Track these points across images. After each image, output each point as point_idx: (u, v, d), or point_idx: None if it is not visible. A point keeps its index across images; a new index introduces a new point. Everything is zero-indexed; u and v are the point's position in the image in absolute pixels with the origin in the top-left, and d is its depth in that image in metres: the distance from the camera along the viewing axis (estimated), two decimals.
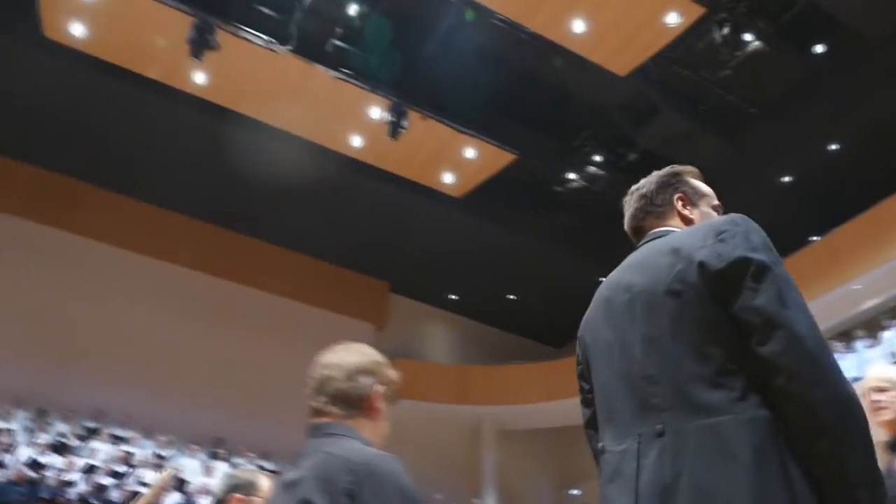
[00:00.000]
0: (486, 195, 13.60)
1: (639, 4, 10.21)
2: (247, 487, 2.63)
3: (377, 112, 11.81)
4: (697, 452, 1.33)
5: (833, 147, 12.63)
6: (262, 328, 14.73)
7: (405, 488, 1.55)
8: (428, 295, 17.00)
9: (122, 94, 11.58)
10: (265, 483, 2.65)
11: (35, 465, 10.24)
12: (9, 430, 10.84)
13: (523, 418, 16.19)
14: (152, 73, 11.26)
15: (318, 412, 1.74)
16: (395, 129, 11.60)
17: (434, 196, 13.65)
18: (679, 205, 1.73)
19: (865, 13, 10.23)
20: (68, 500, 10.15)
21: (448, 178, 13.35)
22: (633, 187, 1.83)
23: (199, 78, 11.34)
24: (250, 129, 12.07)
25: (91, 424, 12.06)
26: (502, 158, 12.81)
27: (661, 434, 1.39)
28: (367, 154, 12.80)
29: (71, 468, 10.51)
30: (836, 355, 1.41)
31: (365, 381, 1.76)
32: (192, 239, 14.36)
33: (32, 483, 10.01)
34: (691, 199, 1.75)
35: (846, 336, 11.28)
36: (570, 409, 15.02)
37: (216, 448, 12.66)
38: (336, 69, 11.19)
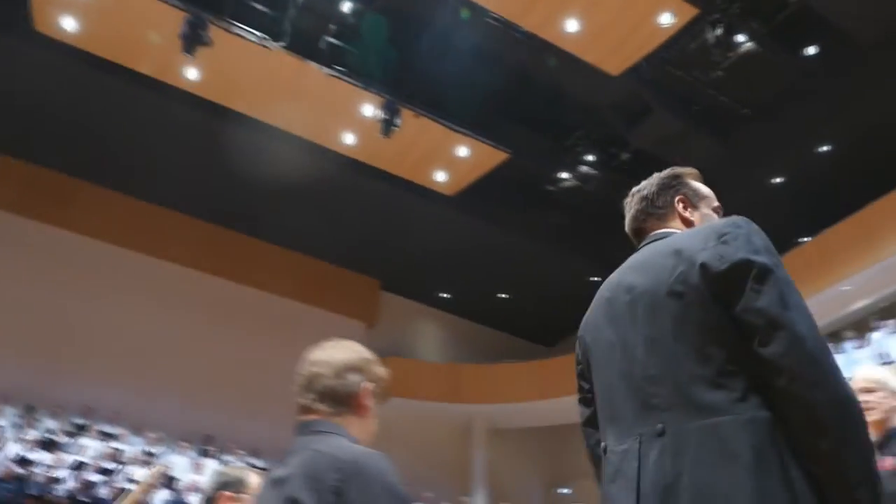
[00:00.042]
0: (479, 194, 13.61)
1: (632, 5, 10.23)
2: (236, 485, 2.62)
3: (370, 110, 11.79)
4: (698, 452, 1.34)
5: (824, 148, 12.69)
6: (253, 325, 14.70)
7: (393, 486, 1.54)
8: (420, 293, 17.00)
9: (115, 89, 11.52)
10: (255, 480, 2.64)
11: (23, 461, 10.19)
12: None
13: (514, 417, 16.21)
14: (145, 69, 11.21)
15: (306, 409, 1.73)
16: (387, 126, 11.59)
17: (426, 194, 13.65)
18: (680, 207, 1.75)
19: (857, 15, 10.28)
20: (56, 496, 10.10)
21: (441, 176, 13.35)
22: (634, 189, 1.83)
23: (192, 74, 11.29)
24: (243, 126, 12.03)
25: (80, 421, 12.00)
26: (495, 157, 12.81)
27: (661, 434, 1.40)
28: (360, 152, 12.78)
29: (59, 465, 10.46)
30: None
31: (353, 378, 1.75)
32: (183, 236, 14.31)
33: (20, 480, 9.96)
34: (692, 201, 1.76)
35: (835, 337, 11.33)
36: (561, 408, 15.05)
37: (206, 445, 12.63)
38: (329, 66, 11.17)
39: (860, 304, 11.97)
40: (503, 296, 16.91)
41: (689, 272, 1.45)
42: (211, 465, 11.35)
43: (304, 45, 10.96)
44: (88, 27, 10.63)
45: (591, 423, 1.71)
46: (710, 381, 1.38)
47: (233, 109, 11.86)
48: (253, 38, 10.64)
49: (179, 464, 11.64)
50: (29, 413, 11.58)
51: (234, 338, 14.41)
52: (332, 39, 11.12)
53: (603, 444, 1.56)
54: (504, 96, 12.20)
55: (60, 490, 10.17)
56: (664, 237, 1.65)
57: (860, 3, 10.08)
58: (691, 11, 10.35)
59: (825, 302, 11.46)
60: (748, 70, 10.90)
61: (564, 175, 13.43)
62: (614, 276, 1.68)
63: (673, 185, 1.77)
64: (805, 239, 12.55)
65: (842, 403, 1.31)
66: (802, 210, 12.84)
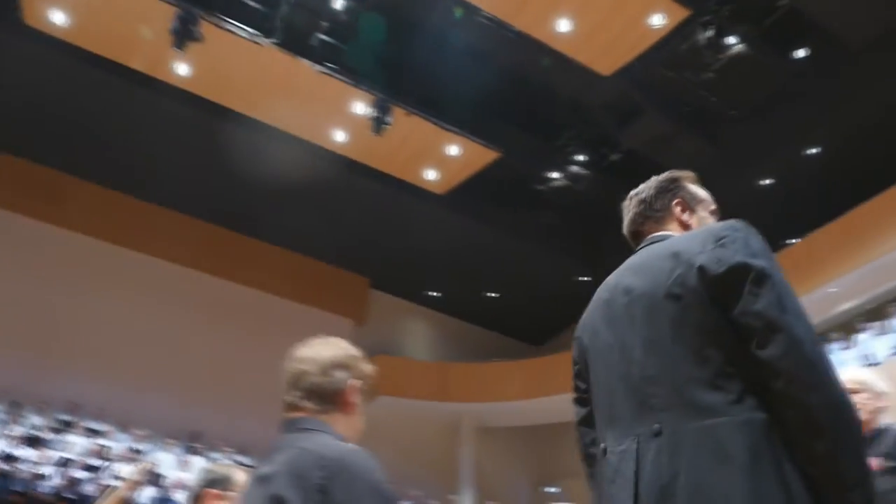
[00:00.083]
0: (469, 193, 13.61)
1: (624, 5, 10.26)
2: (222, 482, 2.60)
3: (361, 107, 11.77)
4: (694, 453, 1.36)
5: (813, 150, 12.76)
6: (241, 323, 14.65)
7: (378, 484, 1.54)
8: (409, 291, 16.99)
9: (106, 84, 11.46)
10: (242, 478, 2.62)
11: (8, 457, 10.12)
12: None
13: (502, 416, 16.23)
14: (135, 64, 11.15)
15: (292, 407, 1.72)
16: (379, 124, 11.57)
17: (417, 193, 13.64)
18: (677, 210, 1.76)
19: (846, 19, 10.35)
20: (41, 493, 10.03)
21: (431, 174, 13.34)
22: (633, 192, 1.85)
23: (183, 69, 11.24)
24: (234, 122, 11.99)
25: (66, 417, 11.93)
26: (486, 156, 12.82)
27: (658, 434, 1.41)
28: (351, 150, 12.76)
29: (45, 461, 10.40)
30: None
31: (340, 375, 1.74)
32: (172, 232, 14.24)
33: (5, 476, 9.89)
34: (689, 204, 1.77)
35: (822, 338, 11.40)
36: (549, 407, 15.08)
37: (193, 442, 12.58)
38: (321, 63, 11.14)
39: (846, 305, 12.05)
40: (492, 295, 16.92)
41: (687, 275, 1.46)
42: (198, 463, 11.31)
43: (295, 42, 10.92)
44: (78, 21, 10.56)
45: (586, 422, 1.72)
46: (707, 382, 1.40)
47: (223, 106, 11.81)
48: (244, 35, 10.60)
49: (166, 461, 11.59)
50: (14, 409, 11.50)
51: (221, 335, 14.36)
52: (323, 37, 11.09)
53: (602, 445, 1.57)
54: (496, 96, 12.20)
55: (46, 487, 10.10)
56: (662, 240, 1.66)
57: (849, 7, 10.15)
58: (682, 13, 10.39)
59: (812, 303, 11.52)
60: (738, 72, 10.94)
61: (555, 175, 13.45)
62: (612, 278, 1.69)
63: (671, 189, 1.79)
64: (793, 240, 12.62)
65: (838, 406, 1.33)
66: (791, 211, 12.91)
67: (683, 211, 1.76)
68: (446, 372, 16.16)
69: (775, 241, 12.25)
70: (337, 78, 11.30)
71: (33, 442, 10.79)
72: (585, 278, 15.47)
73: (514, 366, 16.01)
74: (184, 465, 11.55)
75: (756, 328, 1.37)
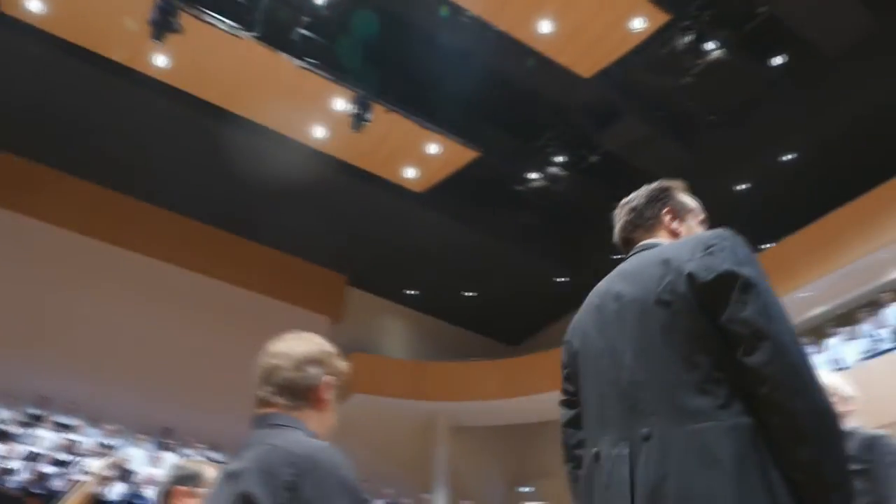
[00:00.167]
0: (448, 191, 13.62)
1: (605, 8, 10.32)
2: (193, 479, 2.58)
3: (341, 104, 11.72)
4: (682, 457, 1.38)
5: (788, 157, 12.92)
6: (216, 318, 14.53)
7: (347, 481, 1.53)
8: (386, 289, 16.96)
9: (83, 74, 11.28)
10: (212, 475, 2.59)
11: None
12: None
13: (478, 415, 16.25)
14: (113, 55, 11.00)
15: (263, 402, 1.71)
16: (358, 121, 11.53)
17: (396, 190, 13.61)
18: (667, 218, 1.81)
19: (823, 27, 10.49)
20: (8, 488, 9.87)
21: (410, 172, 13.32)
22: (623, 200, 1.89)
23: (161, 61, 11.11)
24: (213, 116, 11.88)
25: (35, 411, 11.75)
26: (465, 155, 12.83)
27: (647, 438, 1.44)
28: (330, 146, 12.71)
29: (12, 456, 10.24)
30: None
31: (313, 371, 1.72)
32: (145, 226, 14.08)
33: None
34: (679, 213, 1.82)
35: None
36: (524, 407, 15.14)
37: (164, 438, 12.45)
38: (301, 58, 11.07)
39: (818, 310, 12.22)
40: (470, 294, 16.95)
41: (676, 281, 1.50)
42: (169, 459, 11.20)
43: (276, 37, 10.85)
44: (55, 10, 10.40)
45: (572, 424, 1.75)
46: (695, 387, 1.42)
47: (202, 99, 11.70)
48: (224, 27, 10.50)
49: (137, 456, 11.46)
50: None
51: (195, 330, 14.23)
52: (304, 31, 11.03)
53: (594, 449, 1.59)
54: (477, 95, 12.21)
55: (13, 482, 9.95)
56: (652, 247, 1.70)
57: (826, 15, 10.29)
58: (663, 17, 10.47)
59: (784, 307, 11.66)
60: (717, 77, 11.05)
61: (533, 175, 13.50)
62: (603, 284, 1.72)
63: (661, 198, 1.83)
64: (767, 245, 12.78)
65: (821, 413, 1.36)
66: (766, 216, 13.07)
67: (673, 219, 1.81)
68: (422, 370, 16.15)
69: (749, 246, 12.39)
70: (317, 73, 11.24)
71: (1, 436, 10.62)
72: (563, 279, 15.55)
73: (490, 365, 16.04)
74: (155, 461, 11.43)
75: (743, 335, 1.40)
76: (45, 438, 10.89)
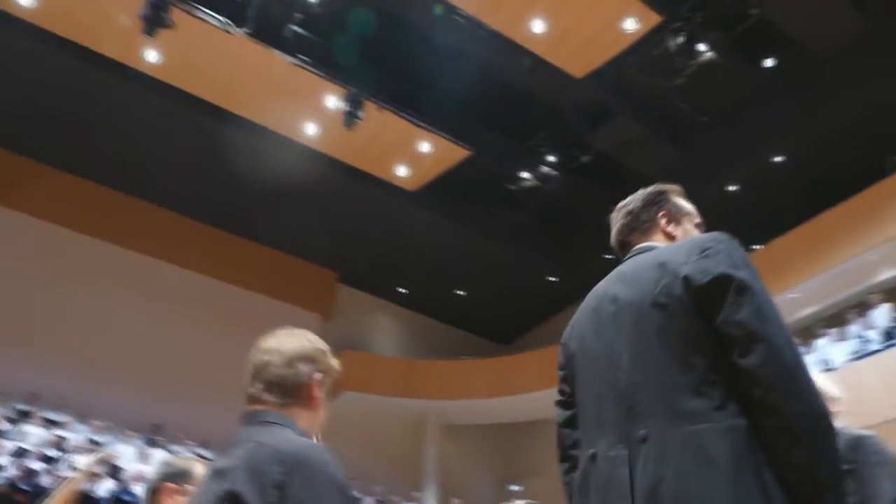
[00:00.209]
0: (440, 190, 13.61)
1: (597, 9, 10.33)
2: (182, 476, 2.56)
3: (333, 101, 11.69)
4: (679, 459, 1.39)
5: (778, 159, 12.98)
6: (206, 315, 14.48)
7: (336, 479, 1.51)
8: (377, 287, 16.94)
9: (73, 69, 11.22)
10: (201, 472, 2.58)
11: None
12: None
13: (468, 413, 16.27)
14: (103, 49, 10.93)
15: (253, 399, 1.69)
16: (350, 119, 11.51)
17: (387, 189, 13.60)
18: (663, 222, 1.82)
19: (814, 30, 10.55)
20: None
21: (402, 171, 13.31)
22: (620, 204, 1.90)
23: (153, 57, 11.06)
24: (204, 112, 11.83)
25: (23, 407, 11.69)
26: (457, 154, 12.82)
27: (644, 440, 1.45)
28: (322, 143, 12.68)
29: (0, 452, 10.17)
30: None
31: (304, 368, 1.71)
32: (136, 221, 14.01)
33: None
34: (675, 216, 1.84)
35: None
36: (514, 406, 15.16)
37: (154, 435, 12.41)
38: (293, 55, 11.04)
39: (807, 311, 12.29)
40: (460, 292, 16.95)
41: (672, 284, 1.51)
42: (158, 456, 11.16)
43: (268, 33, 10.81)
44: (46, 4, 10.33)
45: (568, 424, 1.76)
46: (691, 388, 1.44)
47: (193, 95, 11.65)
48: (216, 23, 10.46)
49: (126, 453, 11.41)
50: None
51: (186, 326, 14.18)
52: (297, 28, 10.99)
53: (591, 450, 1.60)
54: (469, 94, 12.21)
55: (0, 478, 9.89)
56: (648, 250, 1.71)
57: (817, 18, 10.34)
58: (655, 18, 10.50)
59: None
60: (708, 79, 11.09)
61: (525, 175, 13.51)
62: (600, 287, 1.73)
63: (657, 201, 1.85)
64: (757, 246, 12.83)
65: (815, 415, 1.37)
66: (756, 217, 13.12)
67: (669, 223, 1.82)
68: (412, 369, 16.16)
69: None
70: (310, 71, 11.21)
71: None
72: (554, 278, 15.59)
73: (481, 364, 16.06)
74: (144, 458, 11.39)
75: (738, 337, 1.41)
76: (34, 435, 10.83)
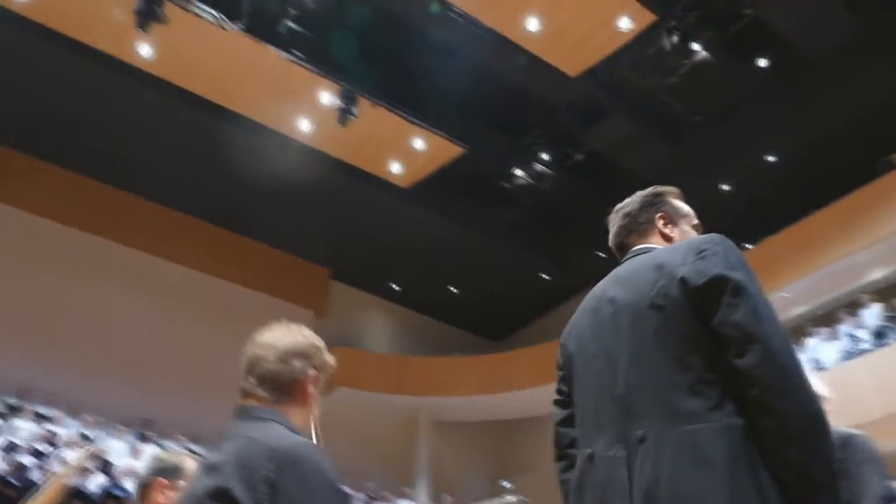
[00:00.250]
0: (434, 187, 13.61)
1: (592, 7, 10.35)
2: (173, 472, 2.55)
3: (327, 98, 11.67)
4: (675, 458, 1.41)
5: (771, 158, 13.03)
6: (199, 310, 14.44)
7: (327, 477, 1.50)
8: (370, 284, 16.93)
9: (65, 62, 11.16)
10: (193, 467, 2.57)
11: None
12: None
13: (460, 410, 16.28)
14: (97, 43, 10.88)
15: (246, 394, 1.67)
16: (344, 115, 11.49)
17: (381, 185, 13.59)
18: (660, 223, 1.83)
19: (807, 30, 10.59)
20: None
21: (396, 167, 13.30)
22: (618, 206, 1.91)
23: (146, 51, 11.01)
24: (198, 107, 11.79)
25: (14, 402, 11.64)
26: (451, 151, 12.82)
27: (642, 440, 1.46)
28: (316, 140, 12.66)
29: None
30: None
31: (297, 364, 1.69)
32: (129, 216, 13.95)
33: None
34: (672, 218, 1.85)
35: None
36: (506, 403, 15.18)
37: (145, 430, 12.38)
38: (288, 51, 11.01)
39: (798, 310, 12.34)
40: (453, 290, 16.96)
41: (669, 286, 1.53)
42: (150, 451, 11.13)
43: (262, 29, 10.78)
44: None
45: (565, 423, 1.77)
46: (687, 388, 1.45)
47: (187, 90, 11.60)
48: (210, 18, 10.42)
49: (117, 448, 11.38)
50: None
51: (178, 322, 14.14)
52: (291, 24, 10.97)
53: (589, 450, 1.61)
54: (464, 91, 12.21)
55: None
56: (646, 252, 1.73)
57: (810, 18, 10.39)
58: (649, 18, 10.52)
59: None
60: (702, 78, 11.13)
61: (519, 172, 13.52)
62: (598, 288, 1.74)
63: (654, 203, 1.86)
64: (749, 245, 12.87)
65: (810, 415, 1.39)
66: (749, 217, 13.17)
67: (666, 224, 1.83)
68: (405, 365, 16.16)
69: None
70: (304, 66, 11.19)
71: None
72: (547, 276, 15.61)
73: (473, 361, 16.07)
74: (135, 453, 11.36)
75: (734, 338, 1.43)
76: (24, 429, 10.78)
